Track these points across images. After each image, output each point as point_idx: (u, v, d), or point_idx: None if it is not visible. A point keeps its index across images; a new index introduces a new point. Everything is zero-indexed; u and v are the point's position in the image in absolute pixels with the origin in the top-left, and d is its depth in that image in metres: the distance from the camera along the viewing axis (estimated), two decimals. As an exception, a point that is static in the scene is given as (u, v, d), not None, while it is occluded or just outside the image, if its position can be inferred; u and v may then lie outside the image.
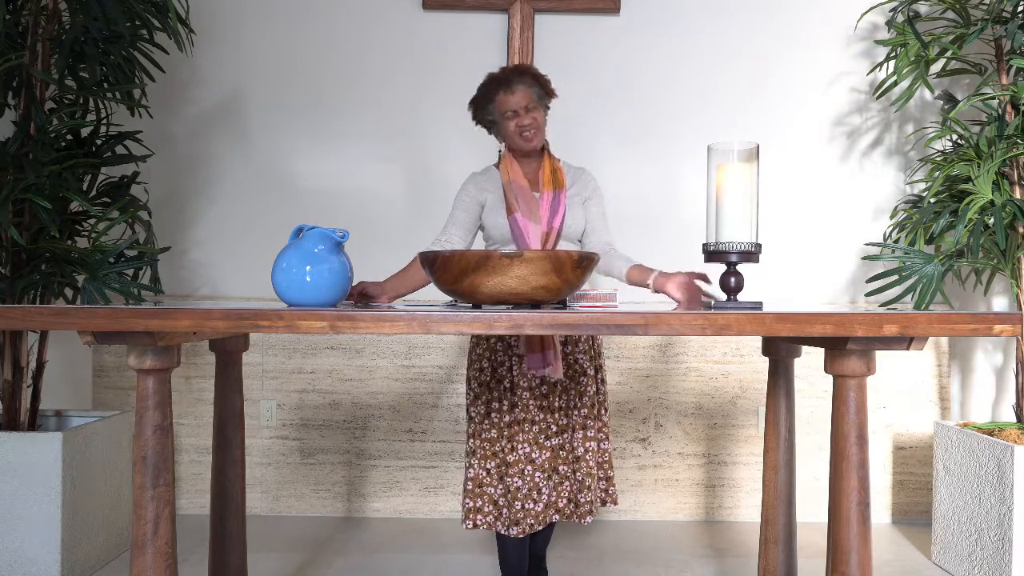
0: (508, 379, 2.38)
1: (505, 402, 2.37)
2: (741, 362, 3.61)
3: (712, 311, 1.62)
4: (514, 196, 2.37)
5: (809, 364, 3.58)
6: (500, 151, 2.50)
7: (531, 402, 2.36)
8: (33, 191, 2.64)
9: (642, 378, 3.60)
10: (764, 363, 3.60)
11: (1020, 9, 2.95)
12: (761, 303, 1.77)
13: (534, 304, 1.78)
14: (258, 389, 3.59)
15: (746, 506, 3.60)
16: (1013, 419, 3.50)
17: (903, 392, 3.62)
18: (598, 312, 1.58)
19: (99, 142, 3.03)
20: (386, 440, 3.60)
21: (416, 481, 3.59)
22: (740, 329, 1.58)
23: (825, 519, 3.58)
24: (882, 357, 3.59)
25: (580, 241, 2.48)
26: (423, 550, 3.14)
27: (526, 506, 2.31)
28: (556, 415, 2.38)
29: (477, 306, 1.82)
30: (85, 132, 3.04)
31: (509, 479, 2.32)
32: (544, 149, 2.46)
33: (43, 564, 2.67)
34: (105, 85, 2.94)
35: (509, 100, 2.35)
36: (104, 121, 3.04)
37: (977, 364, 3.69)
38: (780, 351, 2.25)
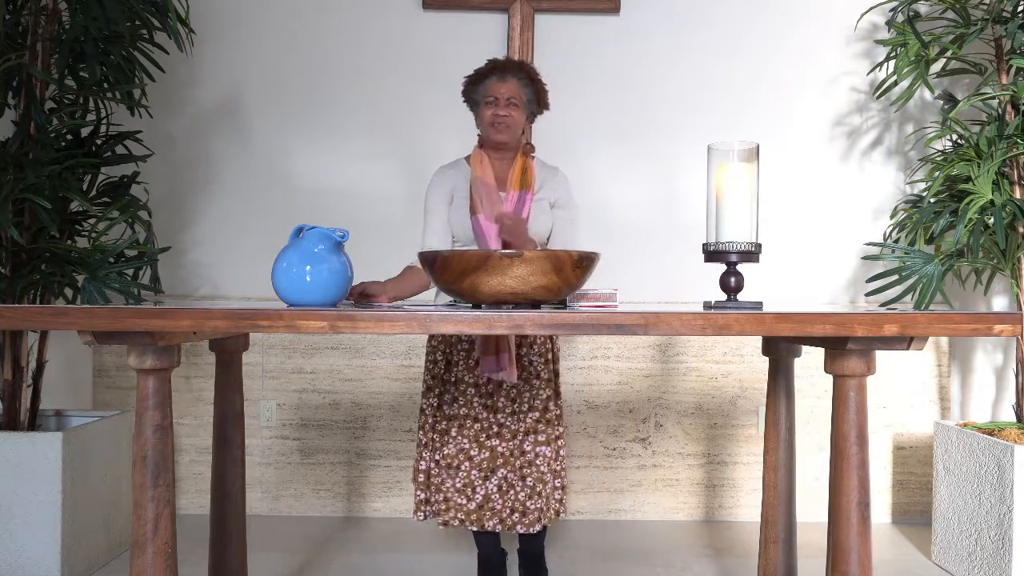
0: (454, 373, 2.40)
1: (447, 396, 2.39)
2: (741, 362, 3.61)
3: (712, 311, 1.62)
4: (479, 196, 2.35)
5: (809, 364, 3.58)
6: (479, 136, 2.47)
7: (475, 399, 2.38)
8: (33, 191, 2.64)
9: (642, 378, 3.60)
10: (764, 363, 3.60)
11: (1020, 9, 2.95)
12: (761, 303, 1.77)
13: (534, 304, 1.78)
14: (258, 389, 3.59)
15: (746, 506, 3.60)
16: (1013, 419, 3.50)
17: (903, 392, 3.62)
18: (598, 312, 1.58)
19: (99, 142, 3.03)
20: (386, 440, 3.60)
21: (416, 481, 3.59)
22: (740, 329, 1.58)
23: (825, 519, 3.58)
24: (882, 357, 3.59)
25: (544, 245, 2.44)
26: (423, 550, 3.14)
27: (458, 501, 2.33)
28: (500, 415, 2.38)
29: (477, 306, 1.82)
30: (85, 132, 3.04)
31: (443, 471, 2.35)
32: (519, 149, 2.43)
33: (43, 564, 2.67)
34: (105, 85, 2.94)
35: (496, 87, 2.35)
36: (104, 121, 3.04)
37: (977, 364, 3.69)
38: (780, 351, 2.25)
